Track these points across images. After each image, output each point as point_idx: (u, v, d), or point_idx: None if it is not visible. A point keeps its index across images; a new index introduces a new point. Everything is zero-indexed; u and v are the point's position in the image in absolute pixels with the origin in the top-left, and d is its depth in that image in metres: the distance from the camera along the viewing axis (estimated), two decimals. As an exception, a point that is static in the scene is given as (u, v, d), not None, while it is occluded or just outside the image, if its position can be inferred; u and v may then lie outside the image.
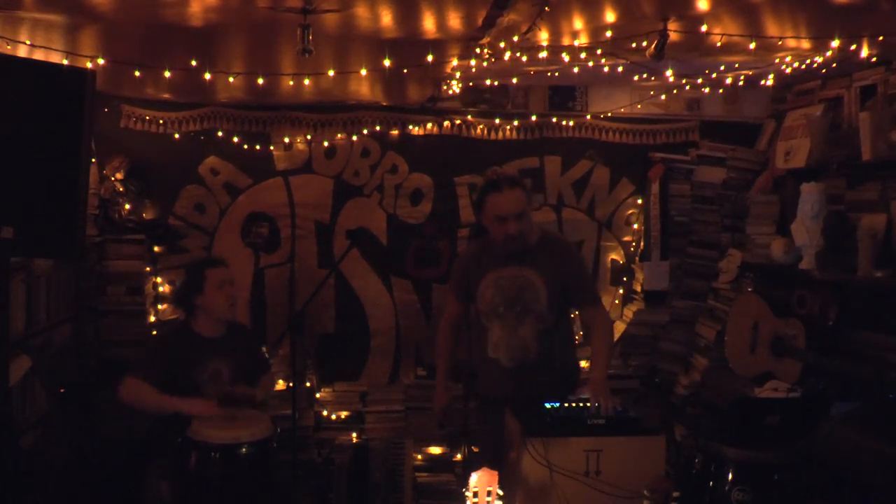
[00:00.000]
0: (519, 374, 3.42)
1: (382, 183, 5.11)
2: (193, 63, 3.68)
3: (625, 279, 5.27)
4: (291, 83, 4.05)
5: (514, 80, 4.84)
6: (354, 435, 4.96)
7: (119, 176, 4.73)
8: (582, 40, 3.60)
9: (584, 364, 3.90)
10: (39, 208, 2.79)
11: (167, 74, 3.75)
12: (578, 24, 3.36)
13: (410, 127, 5.07)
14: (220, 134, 4.93)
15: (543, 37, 3.49)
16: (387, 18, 3.18)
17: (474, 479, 3.07)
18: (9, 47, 3.32)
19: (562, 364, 3.51)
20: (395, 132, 5.08)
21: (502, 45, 3.58)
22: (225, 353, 3.65)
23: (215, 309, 3.65)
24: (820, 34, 3.46)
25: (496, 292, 3.38)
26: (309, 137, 5.03)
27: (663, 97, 5.00)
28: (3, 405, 2.97)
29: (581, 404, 3.26)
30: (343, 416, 5.01)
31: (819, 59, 3.92)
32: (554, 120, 5.12)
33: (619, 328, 5.12)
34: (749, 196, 4.87)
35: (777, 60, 4.04)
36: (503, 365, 3.43)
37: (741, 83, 4.68)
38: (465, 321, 3.62)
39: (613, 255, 5.29)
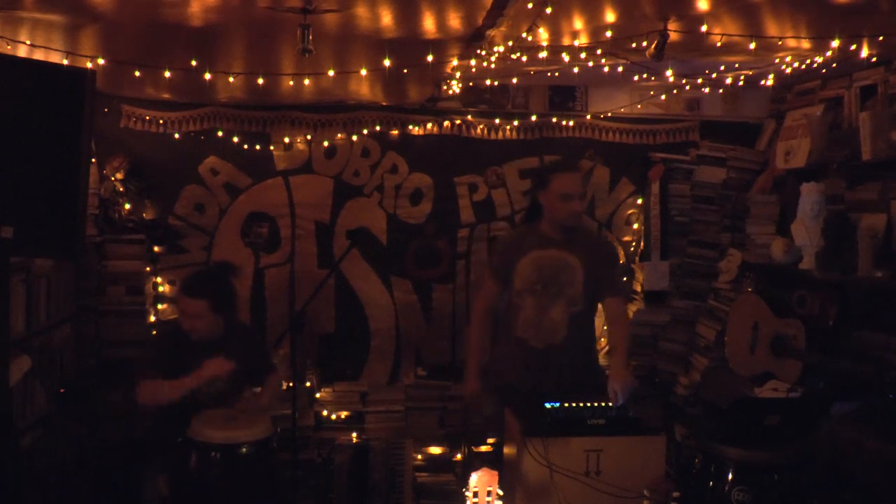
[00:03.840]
0: (545, 356, 3.51)
1: (382, 183, 5.11)
2: (193, 63, 3.68)
3: (625, 279, 5.27)
4: (291, 83, 4.05)
5: (514, 80, 4.84)
6: (354, 435, 4.95)
7: (119, 176, 4.73)
8: (582, 40, 3.60)
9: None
10: (39, 208, 2.79)
11: (167, 74, 3.75)
12: (578, 24, 3.36)
13: (410, 127, 5.07)
14: (220, 134, 4.93)
15: (543, 37, 3.49)
16: (387, 18, 3.18)
17: (474, 479, 3.07)
18: (9, 47, 3.33)
19: (584, 353, 3.57)
20: (395, 132, 5.08)
21: (502, 45, 3.58)
22: (222, 354, 3.64)
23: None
24: (820, 34, 3.47)
25: (535, 270, 3.54)
26: (309, 137, 5.03)
27: (663, 97, 5.00)
28: (3, 405, 2.97)
29: (581, 404, 3.26)
30: (343, 416, 5.01)
31: (819, 59, 3.92)
32: (554, 120, 5.12)
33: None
34: (749, 196, 4.87)
35: (777, 60, 4.04)
36: (530, 345, 3.53)
37: (741, 83, 4.69)
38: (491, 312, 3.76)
39: (613, 255, 5.29)
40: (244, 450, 3.32)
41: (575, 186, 3.53)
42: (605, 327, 4.18)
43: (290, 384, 3.99)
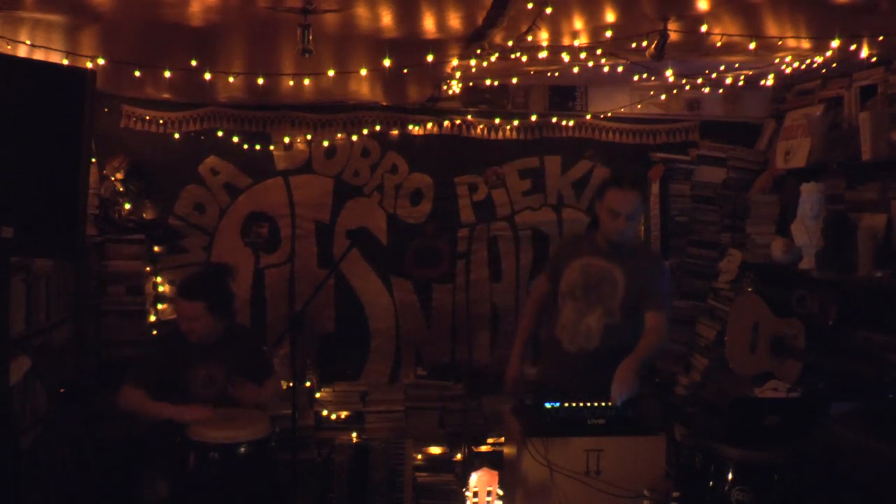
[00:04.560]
0: (578, 361, 3.52)
1: (382, 183, 5.11)
2: (193, 63, 3.69)
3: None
4: (291, 83, 4.05)
5: (514, 80, 4.84)
6: (354, 435, 4.95)
7: (119, 176, 4.73)
8: (582, 40, 3.60)
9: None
10: (39, 208, 2.79)
11: (167, 74, 3.75)
12: (578, 24, 3.36)
13: (410, 127, 5.07)
14: (220, 134, 4.93)
15: (543, 37, 3.49)
16: (387, 18, 3.18)
17: (474, 479, 3.08)
18: (9, 47, 3.33)
19: (616, 364, 3.43)
20: (395, 132, 5.08)
21: (502, 45, 3.58)
22: (220, 356, 3.63)
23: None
24: (820, 34, 3.47)
25: (579, 275, 3.58)
26: (309, 137, 5.03)
27: (663, 97, 5.00)
28: (3, 405, 2.97)
29: (581, 404, 3.26)
30: (343, 416, 5.01)
31: (819, 59, 3.92)
32: (554, 120, 5.12)
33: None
34: (749, 196, 4.87)
35: (777, 60, 4.04)
36: (564, 348, 3.56)
37: (741, 83, 4.68)
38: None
39: (613, 255, 5.29)
40: (243, 450, 3.32)
41: (624, 205, 3.44)
42: None
43: (290, 384, 3.99)
